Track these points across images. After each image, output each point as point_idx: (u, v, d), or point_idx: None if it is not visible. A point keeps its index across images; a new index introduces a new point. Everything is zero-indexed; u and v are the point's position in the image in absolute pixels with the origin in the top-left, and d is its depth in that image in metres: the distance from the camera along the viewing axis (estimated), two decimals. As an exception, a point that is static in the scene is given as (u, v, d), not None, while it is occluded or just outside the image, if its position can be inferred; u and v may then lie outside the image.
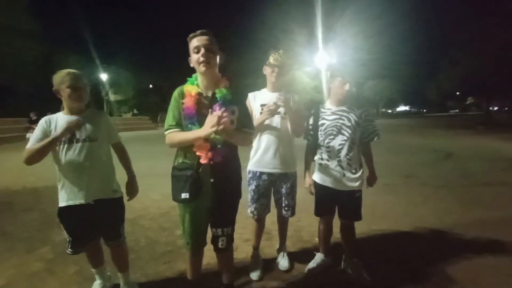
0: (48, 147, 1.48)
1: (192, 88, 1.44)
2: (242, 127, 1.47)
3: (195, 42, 1.40)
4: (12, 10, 15.48)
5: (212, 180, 1.46)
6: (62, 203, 1.59)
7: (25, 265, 2.20)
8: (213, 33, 1.43)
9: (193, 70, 1.50)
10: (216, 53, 1.43)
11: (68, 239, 1.65)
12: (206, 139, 1.37)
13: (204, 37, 1.40)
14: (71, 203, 1.57)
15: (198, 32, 1.41)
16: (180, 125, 1.44)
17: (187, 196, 1.40)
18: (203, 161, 1.39)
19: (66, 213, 1.60)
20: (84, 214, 1.59)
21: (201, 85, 1.46)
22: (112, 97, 28.84)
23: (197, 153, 1.40)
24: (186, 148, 1.45)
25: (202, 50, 1.38)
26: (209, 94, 1.45)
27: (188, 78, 1.51)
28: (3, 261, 2.31)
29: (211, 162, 1.41)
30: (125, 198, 1.79)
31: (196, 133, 1.36)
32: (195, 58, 1.41)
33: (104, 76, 26.64)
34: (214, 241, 1.64)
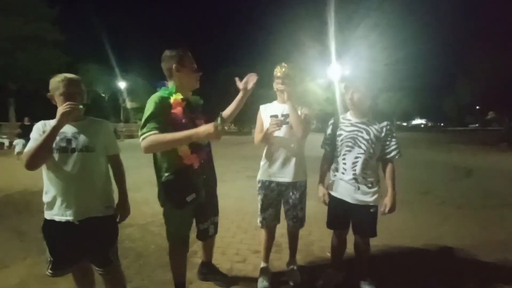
0: (49, 141, 1.31)
1: (178, 97, 1.54)
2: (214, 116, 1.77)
3: (192, 59, 1.64)
4: (41, 22, 16.59)
5: (204, 176, 1.66)
6: (47, 216, 1.43)
7: (38, 266, 2.24)
8: None
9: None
10: None
11: (49, 259, 1.45)
12: (194, 142, 1.50)
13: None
14: (57, 218, 1.40)
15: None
16: (162, 130, 1.43)
17: (194, 196, 1.51)
18: (195, 165, 1.56)
19: (52, 228, 1.43)
20: (70, 232, 1.41)
21: (180, 93, 1.59)
22: (128, 104, 29.83)
23: (186, 162, 1.52)
24: (169, 157, 1.54)
25: (199, 72, 1.65)
26: (185, 102, 1.59)
27: (164, 88, 1.60)
28: (18, 261, 2.37)
29: (202, 161, 1.61)
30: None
31: (190, 132, 1.40)
32: (194, 74, 1.64)
33: (122, 84, 27.71)
34: (204, 232, 1.81)
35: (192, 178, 1.52)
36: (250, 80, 1.83)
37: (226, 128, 1.42)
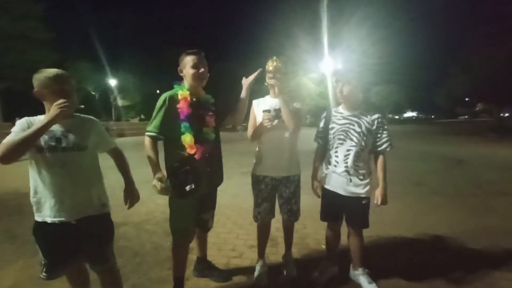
0: (35, 137, 1.24)
1: (185, 93, 1.67)
2: (226, 115, 1.92)
3: (195, 59, 1.68)
4: (28, 20, 16.07)
5: (208, 169, 1.71)
6: (38, 218, 1.37)
7: (31, 268, 2.21)
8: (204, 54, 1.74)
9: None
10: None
11: (43, 262, 1.41)
12: (200, 135, 1.65)
13: (200, 56, 1.70)
14: (49, 220, 1.34)
15: (196, 50, 1.69)
16: (162, 134, 1.65)
17: (193, 187, 1.54)
18: (197, 156, 1.61)
19: (43, 230, 1.38)
20: (64, 233, 1.37)
21: (190, 92, 1.71)
22: (120, 102, 29.32)
23: (189, 151, 1.60)
24: (174, 147, 1.65)
25: (202, 69, 1.69)
26: (194, 99, 1.70)
27: (176, 86, 1.72)
28: (11, 263, 2.34)
29: (206, 155, 1.66)
30: (120, 209, 1.59)
31: (154, 169, 1.57)
32: (192, 72, 1.68)
33: (112, 82, 27.18)
34: (204, 224, 1.93)
35: (194, 169, 1.55)
36: (252, 75, 1.95)
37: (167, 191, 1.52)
